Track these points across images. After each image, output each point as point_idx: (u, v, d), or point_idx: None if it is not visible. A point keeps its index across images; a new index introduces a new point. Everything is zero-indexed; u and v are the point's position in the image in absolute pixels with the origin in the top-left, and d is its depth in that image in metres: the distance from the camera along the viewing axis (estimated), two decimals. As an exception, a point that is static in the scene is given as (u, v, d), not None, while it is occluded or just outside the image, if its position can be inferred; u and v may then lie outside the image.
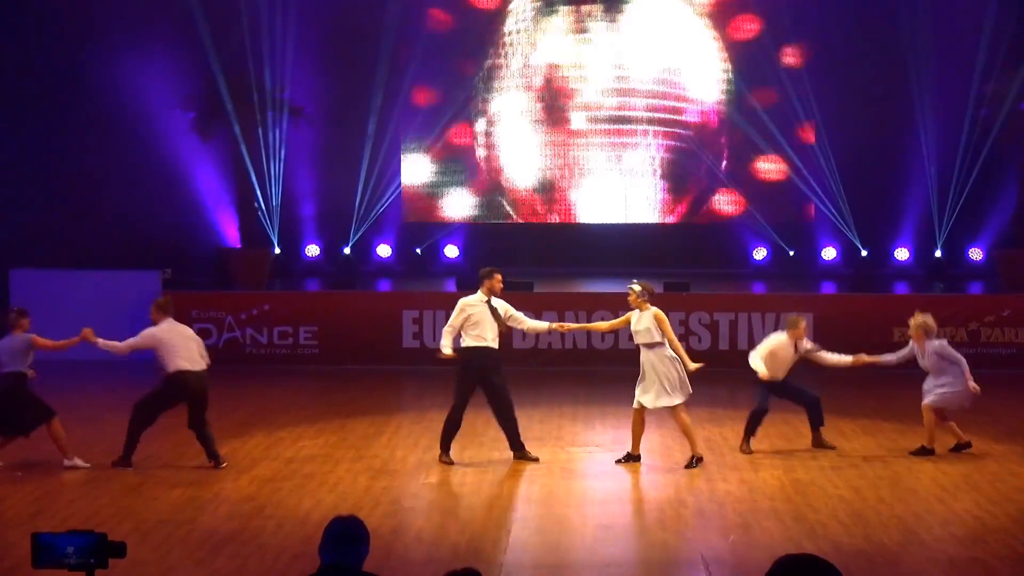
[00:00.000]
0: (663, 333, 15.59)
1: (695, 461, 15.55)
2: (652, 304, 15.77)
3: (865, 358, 16.77)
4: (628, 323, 15.86)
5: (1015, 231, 27.15)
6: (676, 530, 12.92)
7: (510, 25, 29.02)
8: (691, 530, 12.93)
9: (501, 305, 15.96)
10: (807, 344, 16.59)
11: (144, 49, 27.01)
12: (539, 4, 28.93)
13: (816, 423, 16.58)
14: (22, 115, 27.61)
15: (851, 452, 16.17)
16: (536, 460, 15.72)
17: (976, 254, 28.14)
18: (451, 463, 15.58)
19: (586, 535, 12.80)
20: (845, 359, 16.79)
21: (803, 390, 16.60)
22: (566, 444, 16.77)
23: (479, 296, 15.92)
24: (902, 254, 28.43)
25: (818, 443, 16.52)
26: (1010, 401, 20.33)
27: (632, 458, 15.77)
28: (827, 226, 28.44)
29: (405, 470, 15.39)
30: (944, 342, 16.66)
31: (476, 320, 15.84)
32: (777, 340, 16.44)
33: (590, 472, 15.62)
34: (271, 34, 27.40)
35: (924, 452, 16.12)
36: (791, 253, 28.68)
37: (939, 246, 27.97)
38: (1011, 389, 21.40)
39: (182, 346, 15.50)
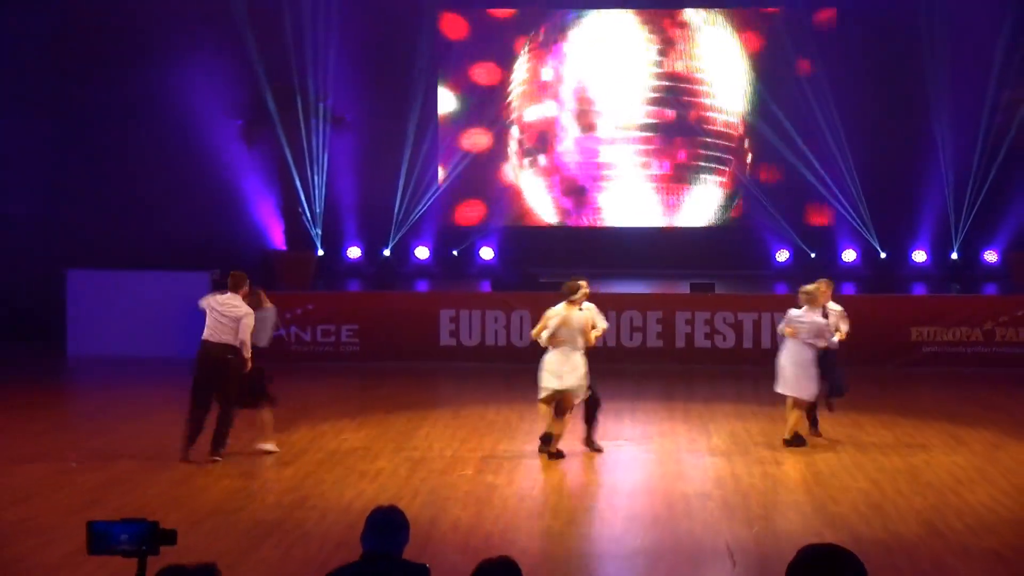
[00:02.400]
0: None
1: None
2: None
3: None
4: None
5: (1029, 234, 27.12)
6: (702, 521, 12.89)
7: (541, 36, 29.03)
8: (717, 521, 12.89)
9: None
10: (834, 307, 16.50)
11: (194, 61, 27.13)
12: (569, 15, 28.96)
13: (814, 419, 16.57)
14: (80, 124, 27.76)
15: (870, 446, 16.10)
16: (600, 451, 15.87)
17: (991, 256, 28.02)
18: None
19: (615, 525, 12.79)
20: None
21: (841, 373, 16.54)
22: (596, 438, 16.76)
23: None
24: (920, 256, 28.32)
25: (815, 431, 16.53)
26: (1023, 398, 20.27)
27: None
28: (847, 229, 28.35)
29: (443, 462, 15.39)
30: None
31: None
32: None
33: (619, 465, 15.61)
34: (314, 46, 27.52)
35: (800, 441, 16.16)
36: (812, 255, 28.59)
37: (955, 248, 27.86)
38: (1024, 386, 21.37)
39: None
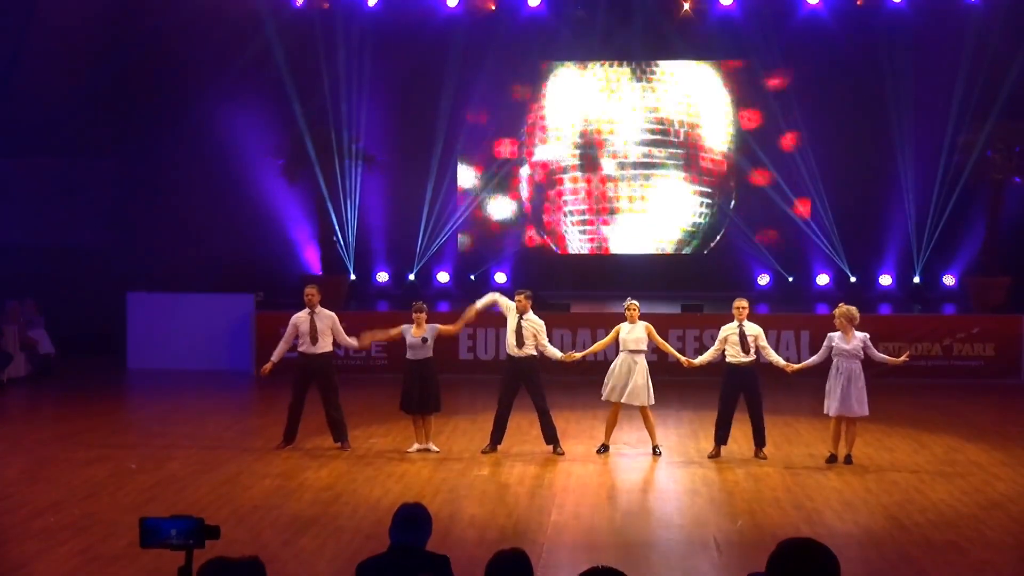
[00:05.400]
0: (651, 342, 16.04)
1: (657, 450, 15.99)
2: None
3: (795, 367, 16.10)
4: (618, 335, 15.99)
5: (982, 260, 27.00)
6: (692, 516, 12.85)
7: (552, 84, 29.09)
8: (705, 516, 12.85)
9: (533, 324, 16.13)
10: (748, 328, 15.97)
11: (241, 107, 27.19)
12: (577, 65, 29.01)
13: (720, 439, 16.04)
14: (139, 163, 27.88)
15: (841, 449, 15.99)
16: (562, 454, 15.95)
17: (949, 280, 27.96)
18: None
19: (615, 520, 12.75)
20: (780, 361, 16.11)
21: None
22: (598, 442, 16.70)
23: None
24: (886, 280, 28.27)
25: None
26: (978, 406, 20.27)
27: (606, 448, 16.10)
28: (821, 255, 28.33)
29: (461, 464, 15.37)
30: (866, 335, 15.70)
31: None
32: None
33: (619, 466, 15.58)
34: (348, 93, 27.61)
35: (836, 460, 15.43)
36: (790, 279, 28.57)
37: (917, 273, 27.82)
38: (979, 395, 21.36)
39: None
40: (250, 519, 12.44)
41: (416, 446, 16.13)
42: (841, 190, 27.90)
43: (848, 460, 15.34)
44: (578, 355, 16.84)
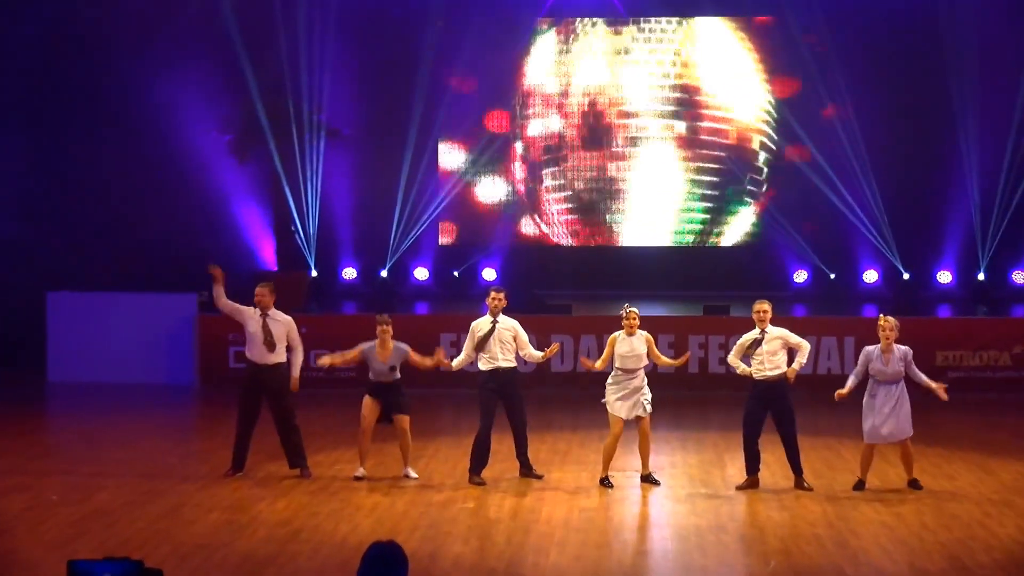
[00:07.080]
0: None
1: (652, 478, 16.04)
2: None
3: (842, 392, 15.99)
4: (614, 350, 16.04)
5: (1059, 254, 27.18)
6: (717, 556, 12.86)
7: (549, 46, 29.10)
8: (732, 556, 12.87)
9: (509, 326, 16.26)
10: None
11: (181, 73, 27.18)
12: (577, 26, 29.02)
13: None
14: (60, 139, 27.81)
15: (894, 478, 16.04)
16: (540, 477, 16.17)
17: (1020, 277, 28.05)
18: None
19: (625, 561, 12.76)
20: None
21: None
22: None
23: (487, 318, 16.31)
24: (945, 277, 28.35)
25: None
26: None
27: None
28: (869, 249, 28.38)
29: (443, 494, 15.39)
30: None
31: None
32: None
33: (629, 497, 15.59)
34: (308, 57, 27.61)
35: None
36: (832, 276, 28.63)
37: (982, 269, 27.90)
38: (1055, 413, 21.39)
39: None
40: (194, 559, 12.44)
41: (361, 471, 16.16)
42: (893, 171, 27.97)
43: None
44: (553, 349, 16.90)
